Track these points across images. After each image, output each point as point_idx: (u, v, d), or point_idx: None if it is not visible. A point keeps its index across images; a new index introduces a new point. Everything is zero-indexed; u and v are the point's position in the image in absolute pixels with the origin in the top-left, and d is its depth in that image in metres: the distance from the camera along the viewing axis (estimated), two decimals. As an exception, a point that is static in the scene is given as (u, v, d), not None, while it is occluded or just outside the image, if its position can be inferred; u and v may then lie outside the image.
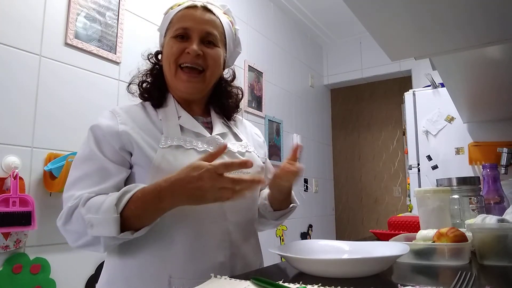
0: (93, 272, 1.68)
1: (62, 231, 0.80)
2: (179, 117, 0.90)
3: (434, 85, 2.77)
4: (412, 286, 0.56)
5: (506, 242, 0.76)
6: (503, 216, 0.88)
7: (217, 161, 0.72)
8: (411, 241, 0.85)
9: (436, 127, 2.72)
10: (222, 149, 0.75)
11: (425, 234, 0.85)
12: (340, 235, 4.17)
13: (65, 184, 0.83)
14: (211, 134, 0.92)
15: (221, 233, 0.85)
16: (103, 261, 0.86)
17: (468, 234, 0.83)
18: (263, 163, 1.02)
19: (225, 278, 0.64)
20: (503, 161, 2.38)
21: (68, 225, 0.78)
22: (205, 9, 0.92)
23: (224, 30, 0.94)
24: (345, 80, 4.23)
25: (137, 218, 0.74)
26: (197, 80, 0.89)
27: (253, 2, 3.13)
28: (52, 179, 1.52)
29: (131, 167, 0.85)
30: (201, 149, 0.87)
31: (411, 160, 2.78)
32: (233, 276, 0.66)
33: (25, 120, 1.52)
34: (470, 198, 1.17)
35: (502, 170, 2.37)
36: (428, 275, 0.72)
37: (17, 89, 1.50)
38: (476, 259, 0.79)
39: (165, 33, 0.94)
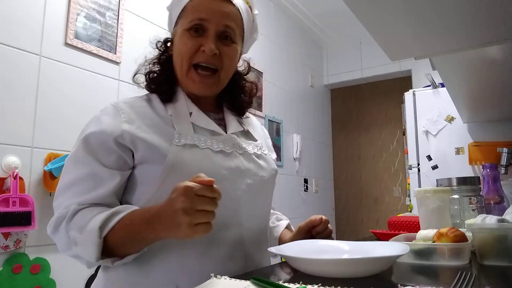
0: (93, 272, 1.68)
1: (51, 237, 0.76)
2: (190, 113, 0.84)
3: (434, 85, 2.77)
4: (412, 286, 0.56)
5: (506, 242, 0.76)
6: (503, 216, 0.88)
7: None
8: (411, 241, 0.85)
9: (436, 127, 2.72)
10: (212, 182, 0.63)
11: (425, 234, 0.85)
12: (340, 235, 4.17)
13: (56, 189, 0.77)
14: (225, 132, 0.87)
15: (234, 242, 0.80)
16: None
17: (468, 234, 0.83)
18: None
19: (225, 278, 0.64)
20: (503, 161, 2.38)
21: (55, 235, 0.75)
22: None
23: (243, 22, 0.88)
24: (345, 80, 4.23)
25: (122, 245, 0.69)
26: (210, 81, 0.84)
27: (254, 2, 3.12)
28: (52, 179, 1.52)
29: (132, 168, 0.79)
30: (217, 149, 0.81)
31: (411, 160, 2.78)
32: (233, 276, 0.66)
33: (25, 120, 1.52)
34: (470, 198, 1.17)
35: (502, 170, 2.37)
36: (428, 275, 0.72)
37: (17, 89, 1.50)
38: (476, 259, 0.79)
39: (177, 20, 0.86)
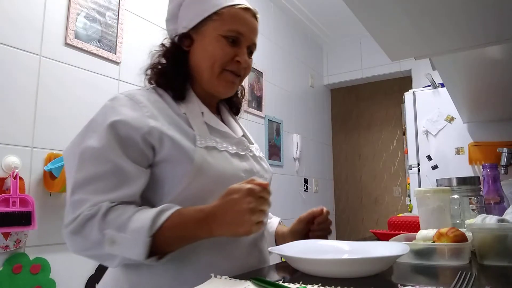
0: (93, 272, 1.68)
1: (67, 238, 0.69)
2: (201, 113, 0.84)
3: (434, 85, 2.77)
4: (412, 286, 0.56)
5: (506, 242, 0.76)
6: (503, 216, 0.88)
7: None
8: (411, 241, 0.85)
9: (436, 127, 2.72)
10: (267, 185, 0.69)
11: (425, 234, 0.85)
12: (340, 235, 4.17)
13: (71, 183, 0.70)
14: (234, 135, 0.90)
15: (252, 240, 0.83)
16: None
17: (468, 234, 0.83)
18: None
19: (225, 278, 0.64)
20: (503, 161, 2.38)
21: (79, 235, 0.67)
22: (254, 16, 0.88)
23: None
24: (345, 80, 4.23)
25: (169, 243, 0.68)
26: (237, 83, 0.88)
27: (253, 2, 3.12)
28: (52, 179, 1.52)
29: (151, 165, 0.76)
30: (233, 151, 0.84)
31: (411, 160, 2.78)
32: (233, 276, 0.66)
33: (25, 120, 1.52)
34: (470, 198, 1.17)
35: (502, 170, 2.37)
36: (428, 275, 0.72)
37: (17, 89, 1.50)
38: (476, 259, 0.79)
39: (205, 20, 0.83)
